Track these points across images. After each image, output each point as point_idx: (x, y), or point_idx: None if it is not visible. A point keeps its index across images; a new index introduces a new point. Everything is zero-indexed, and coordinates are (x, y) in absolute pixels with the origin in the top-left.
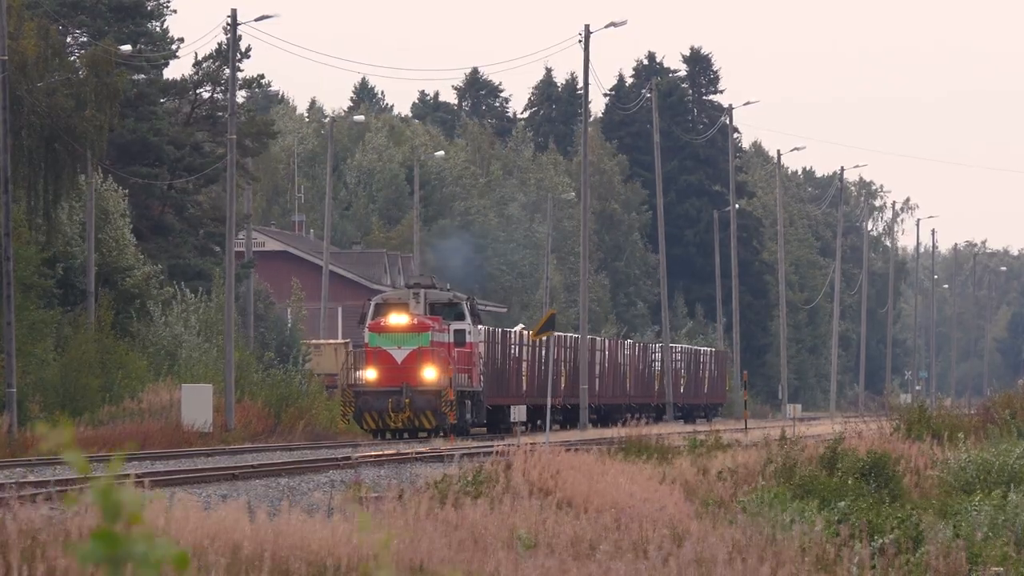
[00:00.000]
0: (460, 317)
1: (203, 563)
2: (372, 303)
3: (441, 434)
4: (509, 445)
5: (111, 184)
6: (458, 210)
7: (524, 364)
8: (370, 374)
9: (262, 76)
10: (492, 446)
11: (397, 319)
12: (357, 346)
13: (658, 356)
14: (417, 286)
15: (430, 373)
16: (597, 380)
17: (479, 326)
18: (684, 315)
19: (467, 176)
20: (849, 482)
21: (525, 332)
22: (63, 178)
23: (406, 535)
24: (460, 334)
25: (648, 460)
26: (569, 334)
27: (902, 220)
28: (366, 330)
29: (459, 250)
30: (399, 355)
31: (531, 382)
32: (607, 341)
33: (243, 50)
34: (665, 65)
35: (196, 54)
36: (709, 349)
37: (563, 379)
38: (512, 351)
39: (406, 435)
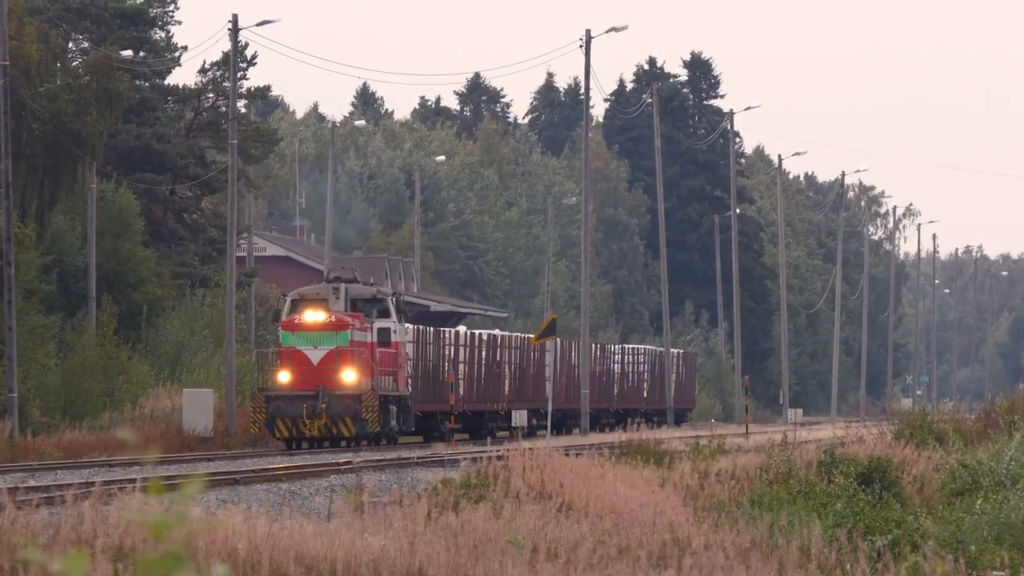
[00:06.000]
0: (385, 314)
1: (202, 568)
2: (288, 299)
3: (365, 443)
4: (508, 449)
5: (126, 191)
6: (452, 212)
7: (461, 367)
8: (283, 377)
9: (268, 87)
10: (495, 450)
11: (313, 316)
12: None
13: (618, 358)
14: (337, 280)
15: (349, 376)
16: (548, 383)
17: (407, 324)
18: (692, 321)
19: (477, 179)
20: (841, 483)
21: (463, 332)
22: (61, 183)
23: (405, 540)
24: (384, 333)
25: (646, 464)
26: (516, 333)
27: (903, 226)
28: (280, 328)
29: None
30: (315, 356)
31: (468, 386)
32: (558, 341)
33: (248, 58)
34: (666, 70)
35: (204, 61)
36: (676, 351)
37: (507, 382)
38: (447, 352)
39: (326, 443)
